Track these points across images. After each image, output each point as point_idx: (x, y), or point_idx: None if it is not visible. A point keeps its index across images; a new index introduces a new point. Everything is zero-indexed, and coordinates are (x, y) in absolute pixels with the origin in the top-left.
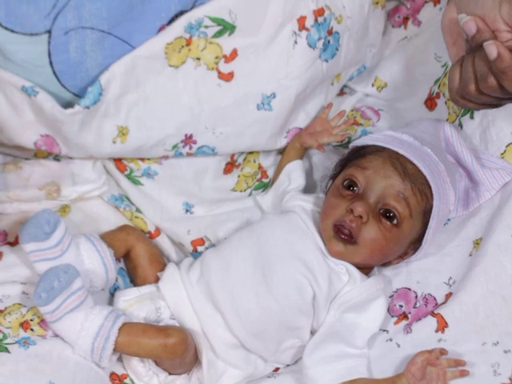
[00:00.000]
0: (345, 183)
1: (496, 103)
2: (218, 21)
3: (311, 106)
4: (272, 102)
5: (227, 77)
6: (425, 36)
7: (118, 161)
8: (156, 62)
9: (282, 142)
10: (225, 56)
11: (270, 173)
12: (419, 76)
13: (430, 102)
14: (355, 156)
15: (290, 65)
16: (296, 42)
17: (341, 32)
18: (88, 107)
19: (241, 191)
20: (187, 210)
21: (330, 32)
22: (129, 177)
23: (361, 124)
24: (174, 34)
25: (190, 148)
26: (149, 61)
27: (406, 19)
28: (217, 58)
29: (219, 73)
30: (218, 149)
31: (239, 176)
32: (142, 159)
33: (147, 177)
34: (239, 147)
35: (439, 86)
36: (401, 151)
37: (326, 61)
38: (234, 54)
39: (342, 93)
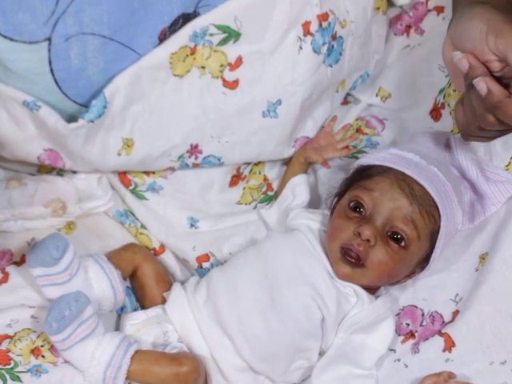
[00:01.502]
0: (351, 205)
1: (505, 131)
2: (223, 28)
3: (318, 113)
4: (278, 109)
5: (232, 85)
6: (428, 46)
7: (122, 175)
8: (161, 72)
9: (289, 152)
10: (229, 64)
11: (275, 185)
12: (423, 86)
13: (435, 113)
14: (361, 176)
15: (296, 71)
16: (301, 48)
17: (344, 37)
18: (92, 121)
19: (246, 204)
20: (192, 225)
21: (333, 37)
22: (133, 191)
23: (366, 133)
24: (178, 43)
25: (196, 158)
26: (153, 71)
27: (408, 27)
28: (221, 66)
29: (224, 81)
30: (224, 158)
31: (244, 188)
32: (147, 173)
33: (152, 191)
34: (246, 156)
35: (444, 96)
36: (408, 172)
37: (331, 66)
38: (239, 61)
39: (346, 102)
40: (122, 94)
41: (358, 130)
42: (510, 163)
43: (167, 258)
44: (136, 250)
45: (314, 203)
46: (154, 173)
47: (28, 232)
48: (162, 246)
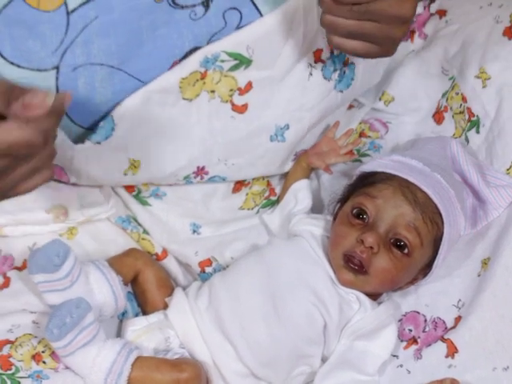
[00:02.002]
0: (354, 212)
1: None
2: (234, 55)
3: (318, 128)
4: (285, 134)
5: (241, 109)
6: (431, 49)
7: None
8: (170, 96)
9: (289, 166)
10: (239, 88)
11: (278, 190)
12: (426, 89)
13: (438, 116)
14: (364, 183)
15: (305, 96)
16: (311, 74)
17: (356, 62)
18: (99, 143)
19: (248, 209)
20: (194, 231)
21: (345, 63)
22: (137, 197)
23: (369, 136)
24: (189, 68)
25: (202, 178)
26: (162, 94)
27: (412, 33)
28: (231, 90)
29: (233, 105)
30: (228, 178)
31: (247, 194)
32: None
33: (155, 197)
34: (250, 176)
35: (447, 99)
36: (411, 179)
37: (341, 91)
38: (249, 86)
39: (350, 106)
40: (129, 116)
41: (361, 134)
42: (511, 167)
43: (169, 263)
44: (137, 256)
45: (316, 209)
46: None
47: (30, 237)
48: (165, 251)
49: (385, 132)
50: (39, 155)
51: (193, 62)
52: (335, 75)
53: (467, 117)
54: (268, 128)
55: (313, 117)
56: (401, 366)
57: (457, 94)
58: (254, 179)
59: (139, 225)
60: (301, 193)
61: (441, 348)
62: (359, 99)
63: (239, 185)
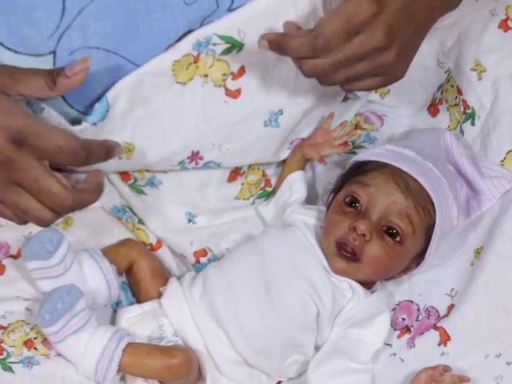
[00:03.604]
0: (347, 200)
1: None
2: (226, 39)
3: (312, 115)
4: (279, 119)
5: (234, 94)
6: (426, 42)
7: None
8: (163, 79)
9: (285, 154)
10: (232, 73)
11: (274, 181)
12: (422, 82)
13: (433, 109)
14: (357, 172)
15: (297, 81)
16: None
17: None
18: (95, 124)
19: (244, 199)
20: (190, 220)
21: None
22: (132, 186)
23: (364, 129)
24: (182, 51)
25: (196, 164)
26: (156, 77)
27: None
28: (224, 75)
29: (226, 90)
30: (223, 164)
31: (243, 184)
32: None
33: (151, 186)
34: (245, 162)
35: (442, 91)
36: (403, 167)
37: None
38: (242, 70)
39: (345, 98)
40: (123, 98)
41: (357, 126)
42: (505, 158)
43: (164, 254)
44: (132, 246)
45: (311, 199)
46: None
47: (25, 226)
48: (159, 242)
49: (380, 124)
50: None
51: (185, 45)
52: None
53: (462, 109)
54: (262, 113)
55: (306, 102)
56: (394, 354)
57: (452, 86)
58: (249, 168)
59: (134, 214)
60: (296, 184)
61: (433, 336)
62: (354, 91)
63: (234, 174)
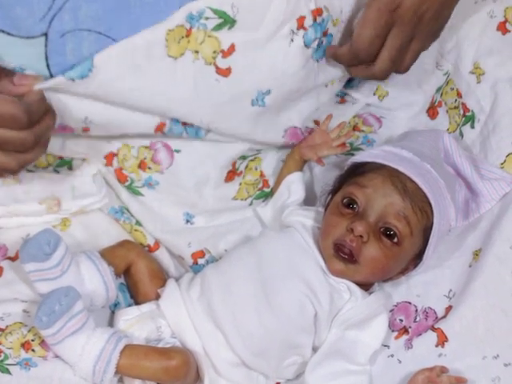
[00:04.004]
0: (344, 201)
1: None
2: (219, 13)
3: (304, 105)
4: (266, 98)
5: (225, 72)
6: None
7: (118, 171)
8: (156, 49)
9: (279, 141)
10: (222, 51)
11: (272, 182)
12: (421, 84)
13: (432, 111)
14: (354, 173)
15: (286, 62)
16: (292, 40)
17: (334, 35)
18: (73, 79)
19: (241, 200)
20: (187, 221)
21: (325, 33)
22: (129, 187)
23: (363, 130)
24: (175, 21)
25: (185, 129)
26: (149, 46)
27: None
28: (214, 52)
29: (217, 68)
30: (213, 130)
31: (241, 184)
32: (143, 168)
33: (148, 187)
34: (234, 139)
35: (441, 94)
36: (401, 169)
37: (317, 61)
38: (232, 49)
39: (343, 100)
40: (113, 64)
41: (355, 128)
42: (505, 161)
43: (161, 255)
44: (130, 247)
45: (309, 201)
46: (150, 168)
47: (23, 228)
48: (157, 243)
49: (378, 127)
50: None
51: (179, 16)
52: (315, 44)
53: (462, 112)
54: (250, 92)
55: (293, 83)
56: (392, 355)
57: (452, 89)
58: (246, 168)
59: (132, 216)
60: (294, 185)
61: (431, 337)
62: (353, 95)
63: (231, 174)
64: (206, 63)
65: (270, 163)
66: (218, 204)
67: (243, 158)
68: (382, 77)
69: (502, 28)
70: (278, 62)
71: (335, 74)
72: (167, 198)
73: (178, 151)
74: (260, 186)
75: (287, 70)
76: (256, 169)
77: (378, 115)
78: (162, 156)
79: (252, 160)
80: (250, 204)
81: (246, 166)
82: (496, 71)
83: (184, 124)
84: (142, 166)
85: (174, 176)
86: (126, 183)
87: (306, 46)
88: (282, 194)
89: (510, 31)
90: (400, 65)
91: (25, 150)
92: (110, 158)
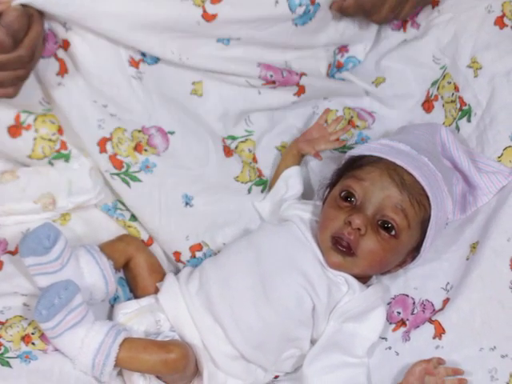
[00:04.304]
0: (342, 194)
1: None
2: None
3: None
4: (232, 42)
5: (209, 18)
6: (423, 38)
7: (113, 158)
8: None
9: (254, 70)
10: None
11: (265, 172)
12: (416, 77)
13: (428, 105)
14: (352, 166)
15: (265, 19)
16: (277, 2)
17: (322, 5)
18: None
19: (242, 183)
20: (187, 203)
21: (312, 1)
22: (126, 174)
23: (357, 126)
24: None
25: None
26: None
27: (404, 22)
28: None
29: (204, 12)
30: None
31: (244, 162)
32: (140, 150)
33: (146, 171)
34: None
35: (438, 88)
36: (398, 162)
37: (296, 25)
38: None
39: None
40: None
41: (350, 122)
42: (502, 154)
43: (155, 251)
44: (129, 241)
45: (306, 195)
46: (146, 150)
47: (23, 224)
48: (151, 239)
49: (372, 121)
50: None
51: None
52: (300, 10)
53: (459, 106)
54: (223, 37)
55: (262, 37)
56: (389, 348)
57: (449, 83)
58: (236, 149)
59: (127, 210)
60: (291, 179)
61: (428, 329)
62: (349, 78)
63: (227, 148)
64: (194, 4)
65: (263, 149)
66: (219, 180)
67: (232, 138)
68: (381, 22)
69: (500, 23)
70: (259, 17)
71: (316, 40)
72: (166, 180)
73: (172, 133)
74: (257, 173)
75: (262, 24)
76: (250, 151)
77: (368, 110)
78: (158, 141)
79: (243, 142)
80: (249, 191)
81: (236, 147)
82: (493, 65)
83: None
84: (138, 148)
85: (172, 158)
86: (123, 169)
87: (291, 10)
88: (279, 189)
89: (507, 26)
90: (399, 14)
91: (23, 66)
92: (103, 143)
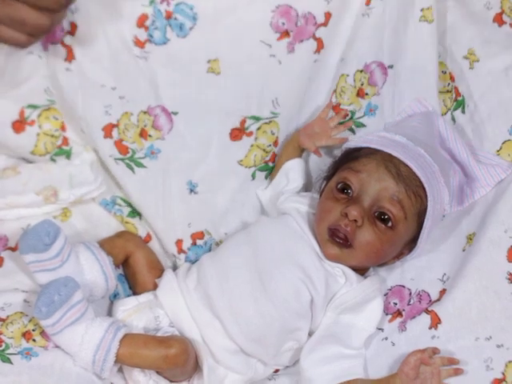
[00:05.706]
0: (339, 186)
1: None
2: None
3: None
4: None
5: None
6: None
7: (118, 143)
8: None
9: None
10: None
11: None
12: None
13: None
14: (348, 158)
15: None
16: None
17: None
18: None
19: (246, 167)
20: (191, 190)
21: None
22: (131, 159)
23: (366, 94)
24: None
25: (168, 5)
26: None
27: None
28: None
29: None
30: (196, 8)
31: (252, 146)
32: (145, 136)
33: (151, 157)
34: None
35: None
36: (394, 153)
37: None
38: None
39: None
40: None
41: (359, 91)
42: (501, 148)
43: (153, 248)
44: (128, 238)
45: (304, 187)
46: (150, 135)
47: (24, 219)
48: (149, 236)
49: (382, 83)
50: None
51: None
52: None
53: (454, 96)
54: None
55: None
56: (386, 338)
57: (444, 72)
58: (259, 130)
59: (126, 205)
60: (292, 172)
61: (425, 319)
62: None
63: (237, 131)
64: None
65: (286, 132)
66: (223, 164)
67: (256, 118)
68: None
69: (499, 19)
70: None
71: None
72: (170, 166)
73: (175, 113)
74: (267, 158)
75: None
76: (273, 133)
77: (386, 64)
78: (163, 121)
79: (267, 123)
80: (253, 177)
81: (259, 128)
82: (491, 61)
83: (168, 17)
84: (143, 134)
85: (176, 139)
86: (128, 155)
87: None
88: (280, 181)
89: (506, 23)
90: None
91: (60, 8)
92: (108, 129)
